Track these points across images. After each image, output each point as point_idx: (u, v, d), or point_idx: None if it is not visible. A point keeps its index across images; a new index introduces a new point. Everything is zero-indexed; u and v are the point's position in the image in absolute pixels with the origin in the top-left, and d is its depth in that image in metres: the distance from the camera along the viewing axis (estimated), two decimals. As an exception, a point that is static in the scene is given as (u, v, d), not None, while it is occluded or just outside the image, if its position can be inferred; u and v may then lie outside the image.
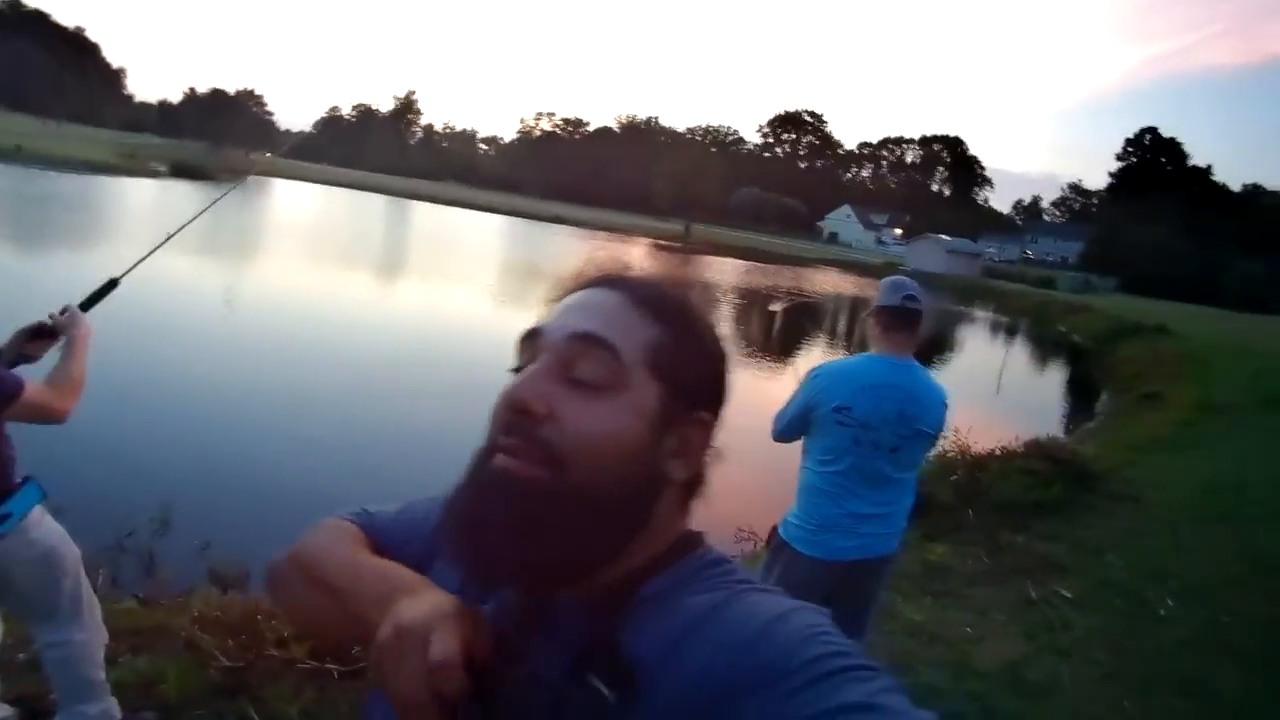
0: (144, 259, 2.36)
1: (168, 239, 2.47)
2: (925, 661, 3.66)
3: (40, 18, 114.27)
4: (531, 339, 0.72)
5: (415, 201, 63.87)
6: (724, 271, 37.19)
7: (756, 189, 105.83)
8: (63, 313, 2.17)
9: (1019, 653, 3.82)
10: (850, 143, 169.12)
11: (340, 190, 64.41)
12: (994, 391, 14.51)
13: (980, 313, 35.84)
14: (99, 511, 4.20)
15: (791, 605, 0.63)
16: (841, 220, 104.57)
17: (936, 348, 21.94)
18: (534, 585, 0.68)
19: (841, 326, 24.11)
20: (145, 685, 2.67)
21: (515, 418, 0.66)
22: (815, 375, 2.73)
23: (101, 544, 3.90)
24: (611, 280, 0.75)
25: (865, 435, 2.59)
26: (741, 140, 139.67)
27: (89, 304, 2.24)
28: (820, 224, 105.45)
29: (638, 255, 37.93)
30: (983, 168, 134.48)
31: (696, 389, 0.72)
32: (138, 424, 6.50)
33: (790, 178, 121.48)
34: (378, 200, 59.96)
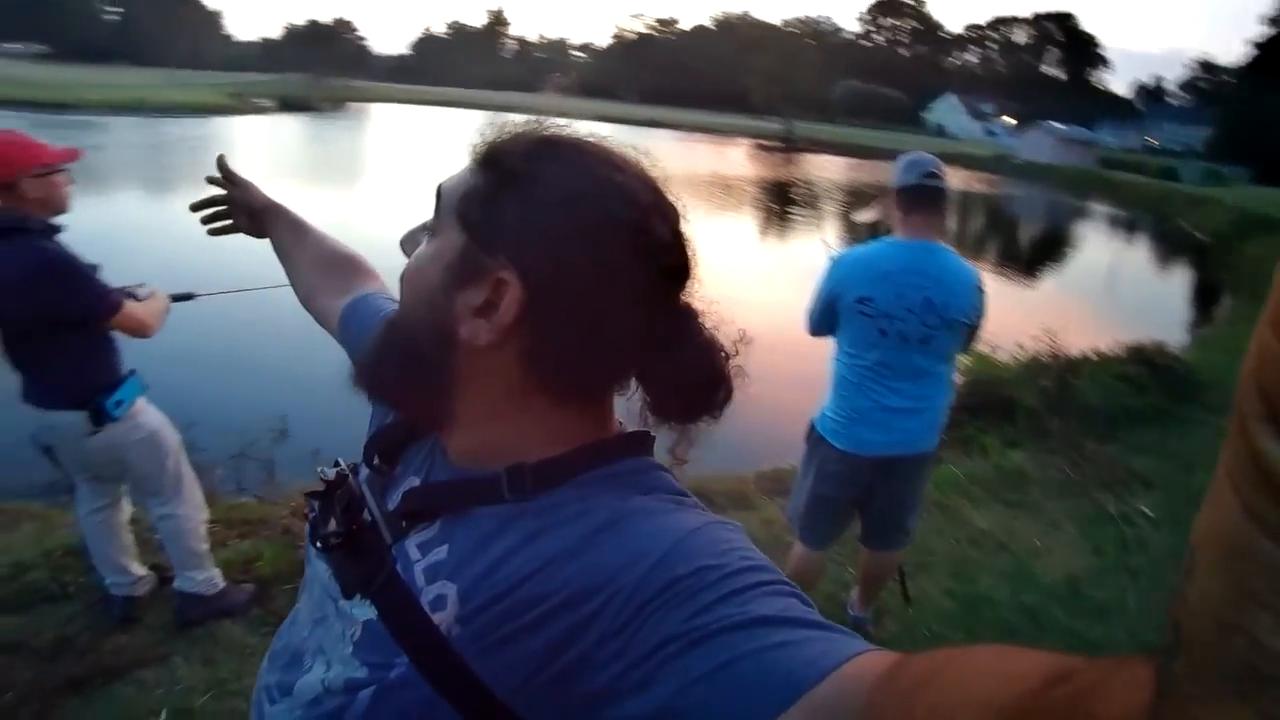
0: (224, 292, 2.90)
1: (244, 290, 2.89)
2: (985, 570, 3.62)
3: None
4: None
5: (511, 114, 63.57)
6: (826, 169, 35.66)
7: (856, 81, 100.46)
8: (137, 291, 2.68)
9: (1085, 569, 3.72)
10: (955, 26, 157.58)
11: (437, 109, 65.05)
12: (1102, 292, 13.75)
13: (1096, 207, 33.35)
14: (229, 425, 4.72)
15: (705, 520, 0.63)
16: (947, 110, 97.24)
17: (1046, 244, 20.77)
18: (393, 407, 0.77)
19: (952, 226, 23.14)
20: (246, 563, 3.13)
21: None
22: (835, 265, 2.60)
23: (229, 452, 4.43)
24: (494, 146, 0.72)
25: (890, 326, 2.47)
26: (839, 30, 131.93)
27: (176, 298, 2.79)
28: (924, 115, 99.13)
29: (739, 157, 36.99)
30: (1099, 46, 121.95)
31: (505, 243, 0.65)
32: (264, 346, 7.05)
33: (892, 67, 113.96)
34: (475, 116, 60.16)
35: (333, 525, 0.70)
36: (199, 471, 2.98)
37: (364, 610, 0.66)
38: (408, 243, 0.76)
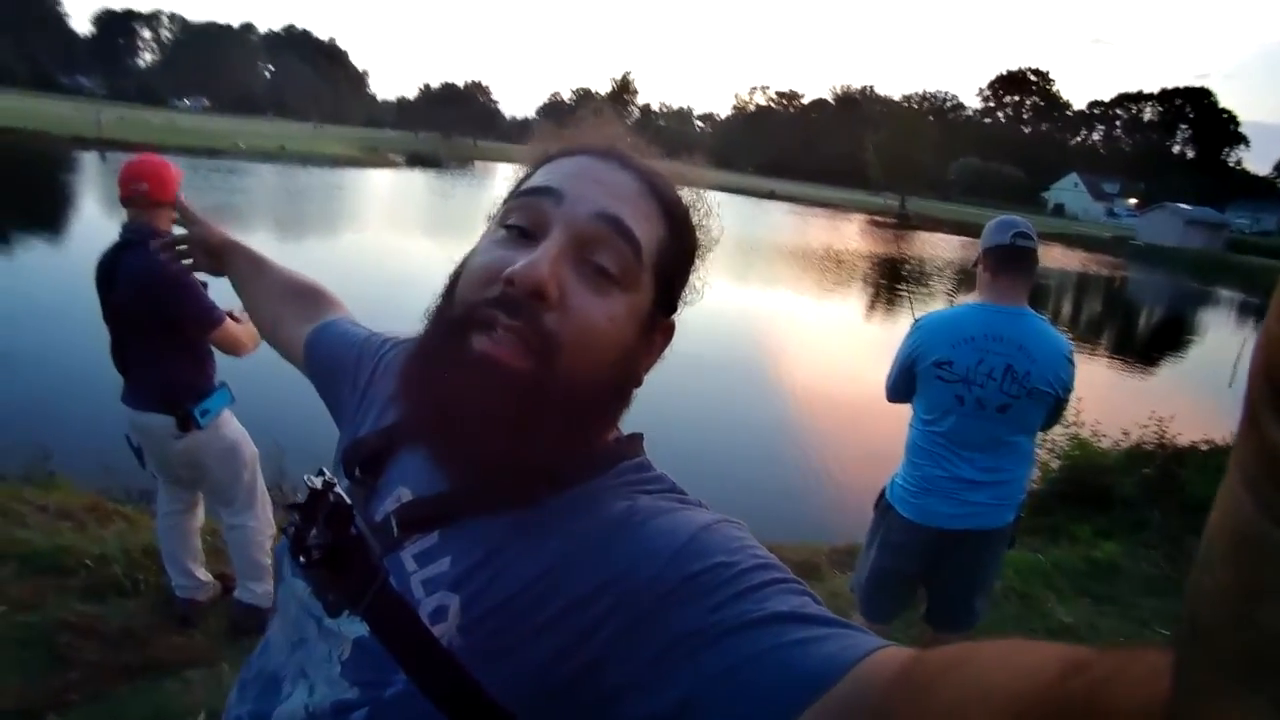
0: None
1: None
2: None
3: (305, 35, 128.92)
4: (541, 199, 0.66)
5: None
6: (939, 248, 35.05)
7: (975, 158, 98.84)
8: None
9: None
10: (1079, 102, 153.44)
11: None
12: (1226, 384, 12.89)
13: (1222, 292, 31.66)
14: (312, 450, 4.90)
15: (715, 517, 0.62)
16: (1068, 190, 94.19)
17: (1165, 330, 19.68)
18: (488, 474, 0.65)
19: (1065, 310, 22.29)
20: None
21: (523, 299, 0.61)
22: (916, 327, 2.52)
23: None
24: (620, 156, 0.70)
25: (968, 392, 2.37)
26: (960, 106, 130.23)
27: None
28: (1044, 195, 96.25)
29: (852, 232, 36.85)
30: (1236, 123, 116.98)
31: (677, 295, 0.71)
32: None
33: (1012, 144, 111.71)
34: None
35: (315, 539, 0.64)
36: (274, 492, 3.10)
37: (353, 627, 0.63)
38: (544, 279, 0.62)
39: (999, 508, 2.48)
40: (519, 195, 0.68)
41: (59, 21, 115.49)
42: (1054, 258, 38.12)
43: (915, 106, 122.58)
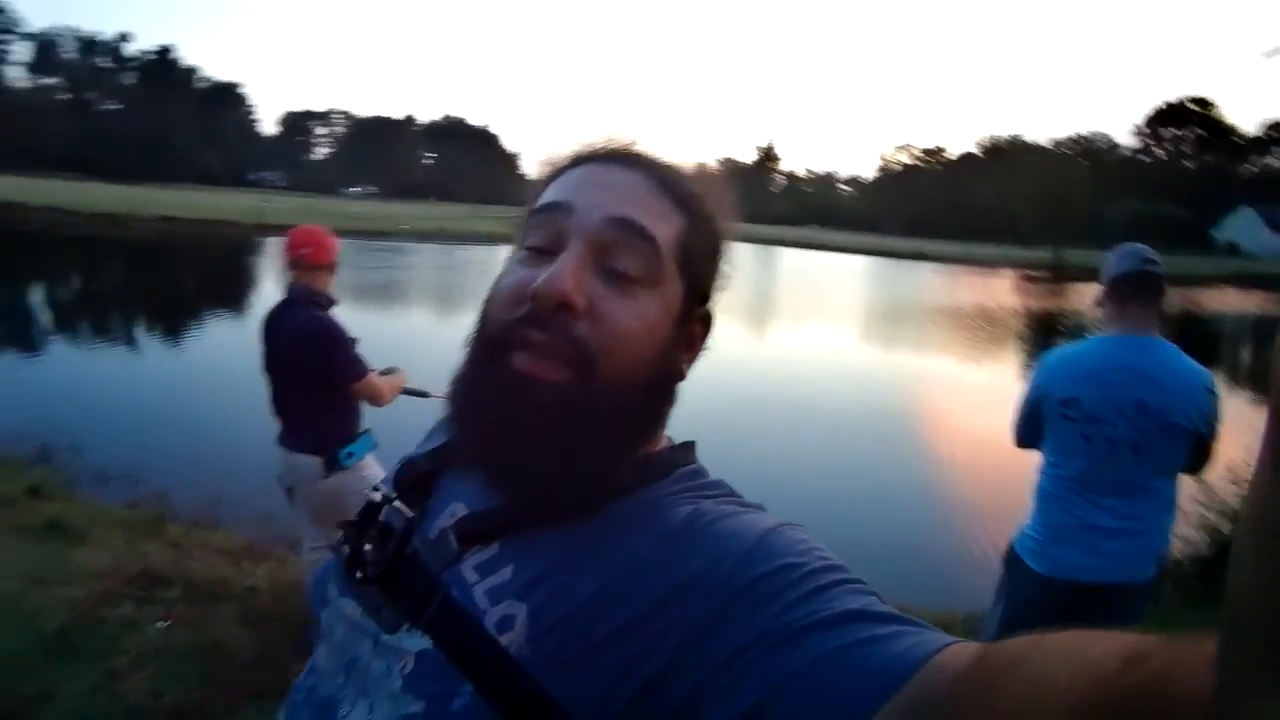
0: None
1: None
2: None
3: (461, 123, 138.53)
4: (552, 215, 0.67)
5: (778, 247, 66.23)
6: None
7: (1134, 200, 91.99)
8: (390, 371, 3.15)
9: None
10: (1249, 125, 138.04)
11: None
12: None
13: None
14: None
15: (778, 520, 0.61)
16: (1242, 225, 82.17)
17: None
18: (544, 492, 0.64)
19: (1244, 359, 20.29)
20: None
21: (551, 312, 0.61)
22: (1040, 365, 2.41)
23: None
24: (628, 156, 0.70)
25: (1097, 431, 2.21)
26: (1115, 146, 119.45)
27: (408, 391, 3.17)
28: (1214, 232, 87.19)
29: (1003, 289, 35.29)
30: None
31: (707, 284, 0.71)
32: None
33: (1175, 182, 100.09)
34: (742, 249, 62.83)
35: (371, 555, 0.64)
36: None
37: (415, 641, 0.61)
38: (569, 289, 0.62)
39: (1137, 559, 2.28)
40: (533, 214, 0.69)
41: (250, 126, 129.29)
42: (1227, 302, 34.89)
43: (1066, 151, 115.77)
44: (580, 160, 0.70)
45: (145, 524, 4.31)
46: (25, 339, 13.12)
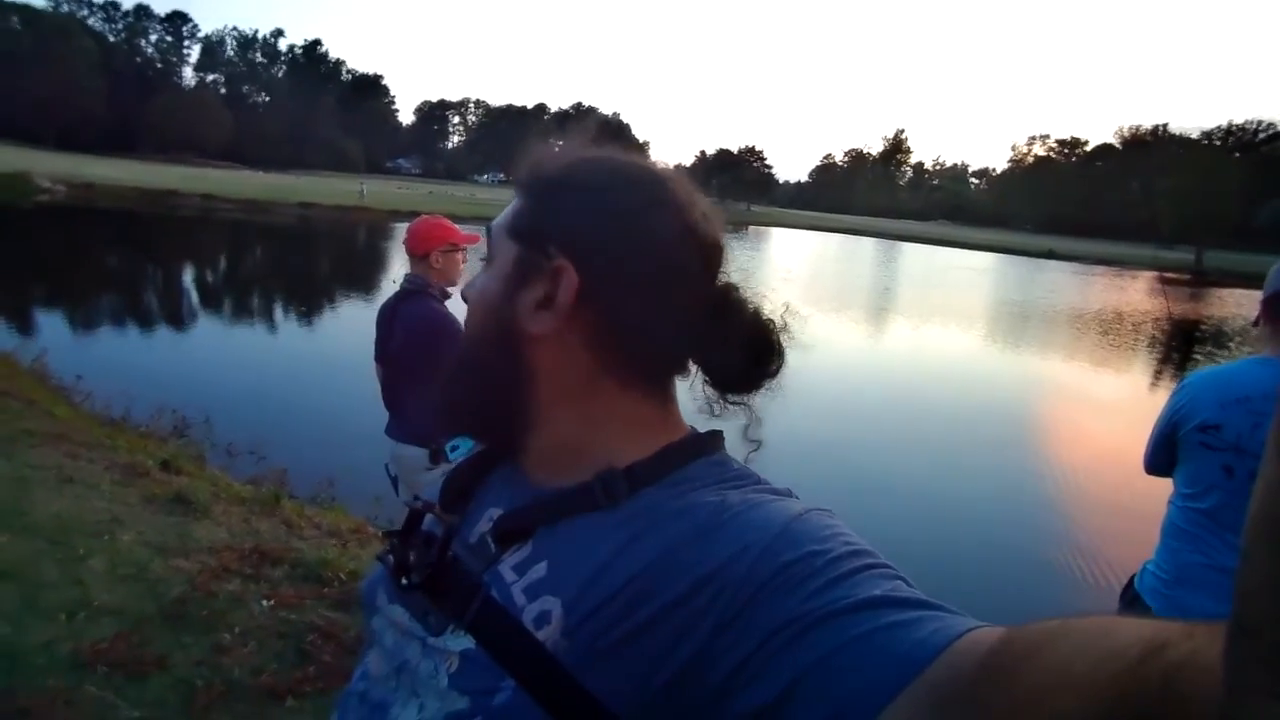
0: None
1: None
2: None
3: (591, 111, 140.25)
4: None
5: (902, 243, 64.55)
6: (1242, 306, 29.92)
7: None
8: None
9: None
10: None
11: (831, 235, 67.59)
12: None
13: None
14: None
15: (805, 506, 0.63)
16: None
17: None
18: (472, 430, 0.79)
19: None
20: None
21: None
22: (1182, 386, 2.18)
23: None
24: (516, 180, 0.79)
25: (1240, 463, 2.00)
26: (1276, 135, 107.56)
27: None
28: None
29: (1137, 290, 33.08)
30: None
31: (555, 238, 0.69)
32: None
33: None
34: (866, 243, 61.83)
35: (415, 562, 0.68)
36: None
37: (459, 641, 0.65)
38: (469, 289, 0.79)
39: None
40: None
41: (391, 116, 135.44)
42: None
43: (1217, 142, 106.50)
44: None
45: (263, 500, 4.53)
46: (174, 317, 14.17)
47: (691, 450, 0.70)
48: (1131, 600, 2.26)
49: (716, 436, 0.73)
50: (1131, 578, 2.33)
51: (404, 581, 0.68)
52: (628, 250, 0.69)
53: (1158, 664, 0.32)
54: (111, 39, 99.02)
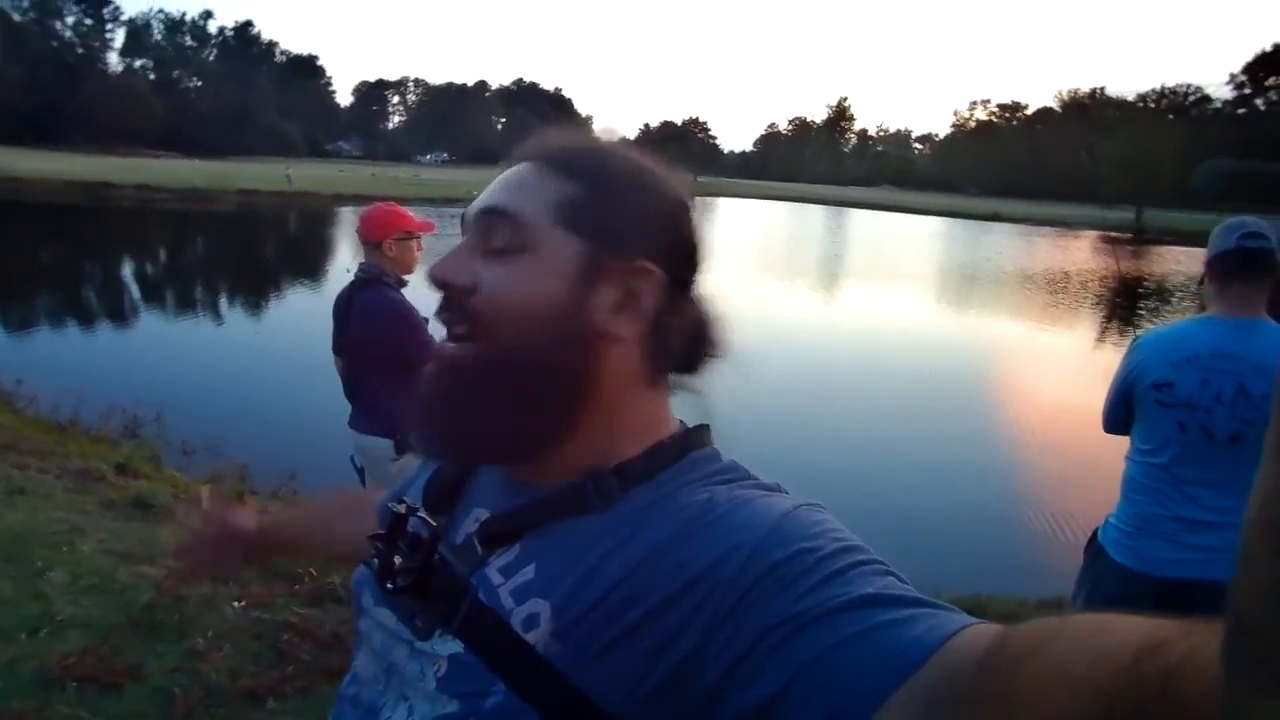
0: None
1: None
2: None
3: (533, 87, 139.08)
4: (461, 227, 0.74)
5: (849, 209, 65.11)
6: (1181, 263, 30.45)
7: (1228, 158, 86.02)
8: None
9: None
10: None
11: (778, 204, 67.95)
12: None
13: None
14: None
15: (795, 503, 0.62)
16: None
17: None
18: (488, 457, 0.72)
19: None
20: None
21: (445, 294, 0.69)
22: (1135, 346, 2.26)
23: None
24: (527, 151, 0.74)
25: (1192, 419, 2.09)
26: (1207, 99, 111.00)
27: None
28: None
29: (1081, 250, 33.88)
30: None
31: (632, 238, 0.68)
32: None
33: (1275, 137, 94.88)
34: (814, 210, 62.28)
35: (401, 565, 0.67)
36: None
37: (447, 645, 0.64)
38: (447, 271, 0.69)
39: (1227, 555, 2.14)
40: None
41: (329, 98, 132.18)
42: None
43: (1153, 105, 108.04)
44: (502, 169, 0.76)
45: (225, 498, 4.45)
46: (116, 313, 13.74)
47: (680, 446, 0.69)
48: (1096, 552, 2.35)
49: (703, 430, 0.72)
50: (1095, 530, 2.41)
51: (390, 585, 0.66)
52: (682, 251, 0.71)
53: (1156, 663, 0.32)
54: (18, 18, 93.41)
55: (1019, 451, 7.91)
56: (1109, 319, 18.11)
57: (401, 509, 0.69)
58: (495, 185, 0.72)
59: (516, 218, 0.68)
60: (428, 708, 0.63)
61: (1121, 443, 2.39)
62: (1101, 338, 15.54)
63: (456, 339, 0.68)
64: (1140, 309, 19.10)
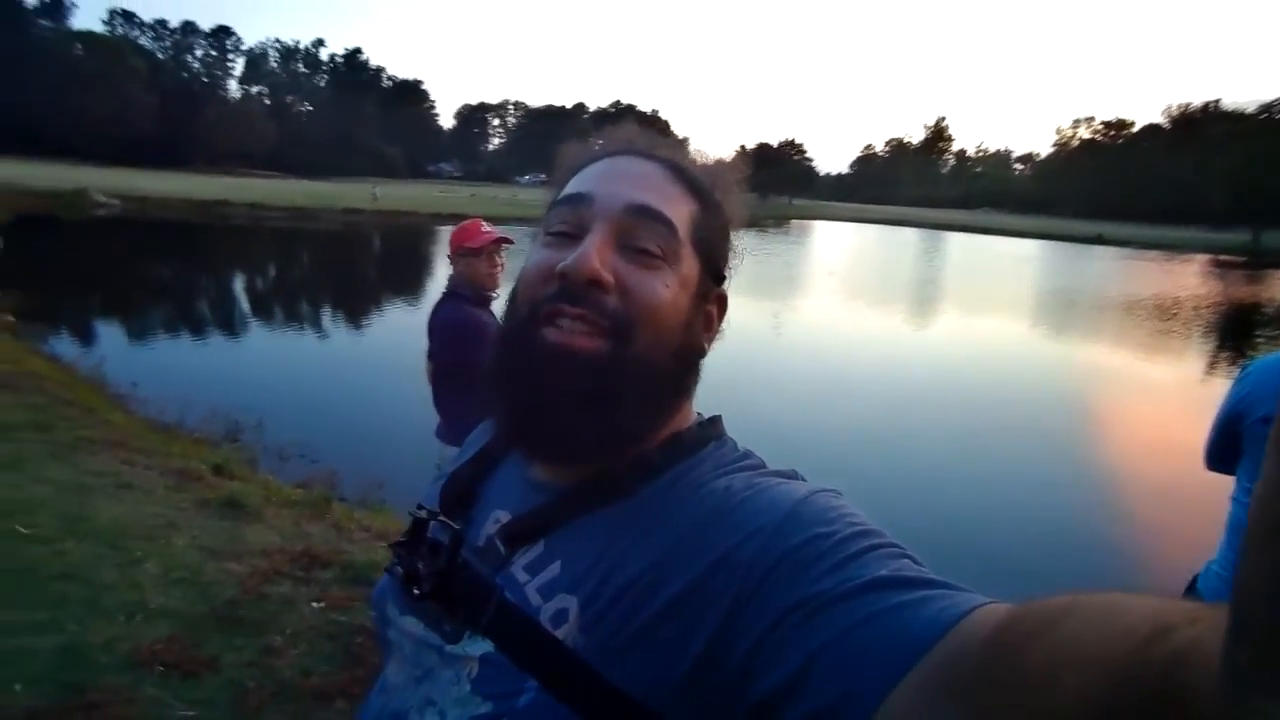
0: None
1: None
2: None
3: (630, 109, 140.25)
4: (575, 205, 0.71)
5: (945, 232, 63.70)
6: None
7: None
8: None
9: None
10: None
11: (872, 227, 66.99)
12: None
13: None
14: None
15: (811, 488, 0.63)
16: None
17: None
18: (587, 458, 0.68)
19: None
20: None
21: (583, 288, 0.65)
22: (1243, 376, 2.04)
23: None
24: (638, 149, 0.75)
25: None
26: None
27: None
28: None
29: (1191, 277, 32.13)
30: None
31: (722, 266, 0.74)
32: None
33: None
34: (908, 234, 61.17)
35: (425, 570, 0.66)
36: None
37: (478, 646, 0.64)
38: (595, 267, 0.66)
39: None
40: (556, 206, 0.72)
41: (431, 120, 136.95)
42: None
43: (1275, 118, 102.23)
44: (597, 156, 0.75)
45: (313, 504, 4.61)
46: (225, 324, 14.48)
47: (697, 438, 0.71)
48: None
49: (716, 421, 0.74)
50: (1194, 576, 2.20)
51: (415, 592, 0.66)
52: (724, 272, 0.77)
53: (1163, 648, 0.32)
54: (160, 56, 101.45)
55: (1113, 489, 7.51)
56: (1219, 348, 17.06)
57: (422, 514, 0.69)
58: (629, 180, 0.71)
59: (675, 228, 0.70)
60: (459, 711, 0.64)
61: (1226, 482, 2.15)
62: (1211, 369, 14.64)
63: (585, 334, 0.65)
64: (1258, 336, 17.92)
